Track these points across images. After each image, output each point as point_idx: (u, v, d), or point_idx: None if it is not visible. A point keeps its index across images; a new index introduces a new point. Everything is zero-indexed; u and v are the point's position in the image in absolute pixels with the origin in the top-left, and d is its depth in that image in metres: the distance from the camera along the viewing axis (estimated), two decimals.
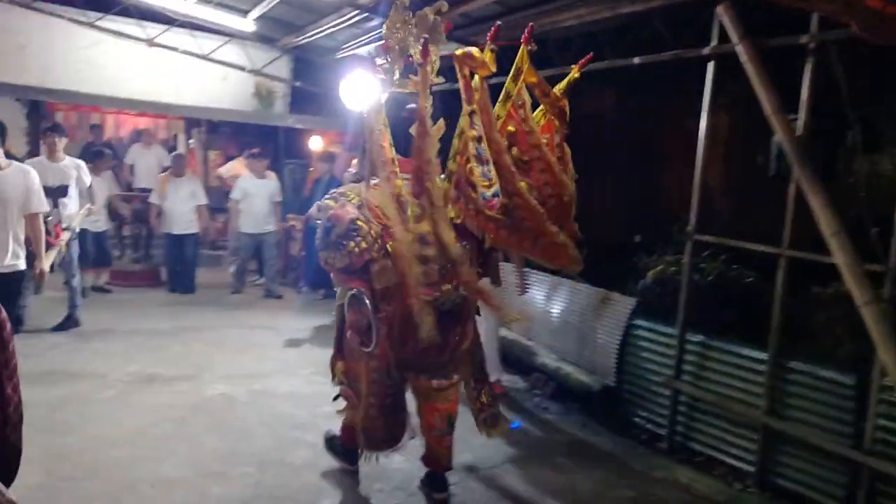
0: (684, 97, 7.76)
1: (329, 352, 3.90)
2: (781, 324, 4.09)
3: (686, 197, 4.97)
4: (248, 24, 8.71)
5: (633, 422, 5.08)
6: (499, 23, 3.49)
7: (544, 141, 3.34)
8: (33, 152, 8.15)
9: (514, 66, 3.33)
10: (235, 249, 9.25)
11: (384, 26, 3.27)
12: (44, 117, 8.96)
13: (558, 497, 3.91)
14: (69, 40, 8.65)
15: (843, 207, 3.86)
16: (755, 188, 6.24)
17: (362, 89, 4.51)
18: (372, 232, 3.15)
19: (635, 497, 3.99)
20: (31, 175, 4.91)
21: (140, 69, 9.11)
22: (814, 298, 4.36)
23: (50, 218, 6.43)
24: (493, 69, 3.21)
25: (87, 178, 6.71)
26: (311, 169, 9.89)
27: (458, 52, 3.20)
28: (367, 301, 3.32)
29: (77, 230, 6.62)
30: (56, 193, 6.27)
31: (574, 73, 3.58)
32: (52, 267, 5.70)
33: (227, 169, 10.26)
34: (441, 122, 3.17)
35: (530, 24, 3.56)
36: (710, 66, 4.68)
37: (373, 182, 3.33)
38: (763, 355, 4.18)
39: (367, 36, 7.88)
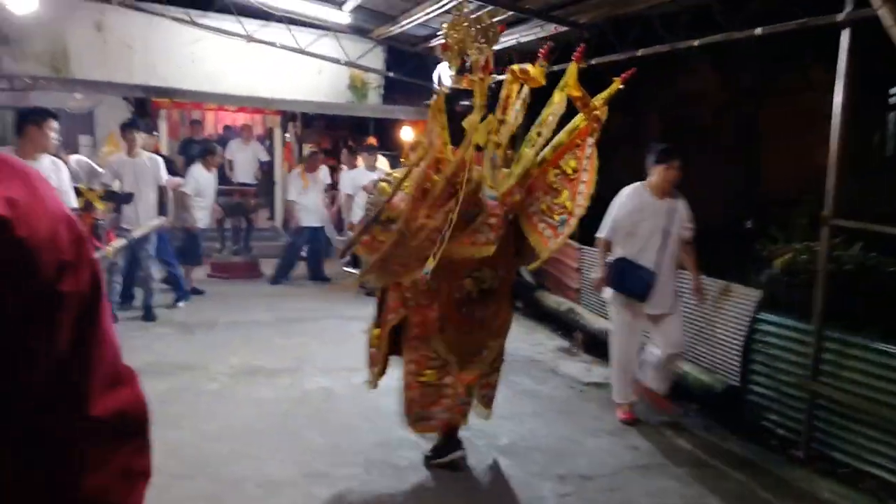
0: (795, 73, 7.16)
1: None
2: None
3: (801, 178, 4.49)
4: (343, 17, 8.68)
5: (763, 426, 4.62)
6: (550, 43, 3.93)
7: (579, 143, 3.58)
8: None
9: (562, 80, 3.54)
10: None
11: (444, 27, 3.48)
12: (148, 115, 9.23)
13: None
14: (172, 39, 8.91)
15: None
16: (870, 168, 5.65)
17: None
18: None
19: None
20: (63, 169, 4.76)
21: (238, 65, 9.28)
22: None
23: (102, 221, 6.41)
24: (543, 82, 3.51)
25: (164, 175, 6.67)
26: (401, 160, 9.75)
27: (516, 67, 3.52)
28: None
29: (137, 237, 6.41)
30: (121, 199, 6.28)
31: (616, 84, 3.68)
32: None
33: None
34: (490, 118, 3.40)
35: (582, 44, 3.87)
36: (845, 35, 4.16)
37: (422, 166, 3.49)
38: None
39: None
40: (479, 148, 3.42)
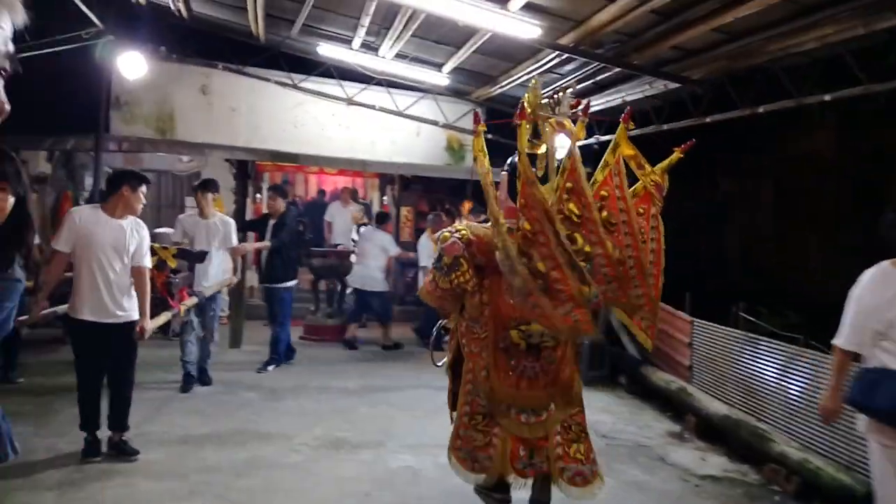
0: None
1: None
2: None
3: None
4: (441, 79, 8.64)
5: None
6: (589, 100, 3.87)
7: (640, 211, 3.58)
8: (239, 210, 8.53)
9: (613, 141, 3.56)
10: None
11: (525, 100, 3.57)
12: (250, 177, 9.43)
13: None
14: (275, 102, 9.14)
15: None
16: None
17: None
18: (470, 270, 3.51)
19: None
20: (144, 229, 4.76)
21: (338, 128, 9.40)
22: None
23: (176, 280, 6.54)
24: (582, 136, 3.55)
25: (234, 237, 6.64)
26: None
27: (553, 120, 3.57)
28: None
29: (207, 296, 6.34)
30: (194, 258, 6.30)
31: (676, 155, 3.71)
32: (168, 329, 5.41)
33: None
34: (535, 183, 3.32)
35: (629, 107, 3.83)
36: None
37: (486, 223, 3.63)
38: None
39: (563, 80, 7.39)
40: None
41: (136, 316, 4.63)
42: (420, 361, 8.02)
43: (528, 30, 5.73)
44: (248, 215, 9.47)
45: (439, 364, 4.13)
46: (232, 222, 6.73)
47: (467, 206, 10.08)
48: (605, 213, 3.45)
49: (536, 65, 7.07)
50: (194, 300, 6.10)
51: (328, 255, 9.77)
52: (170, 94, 8.79)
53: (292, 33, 8.24)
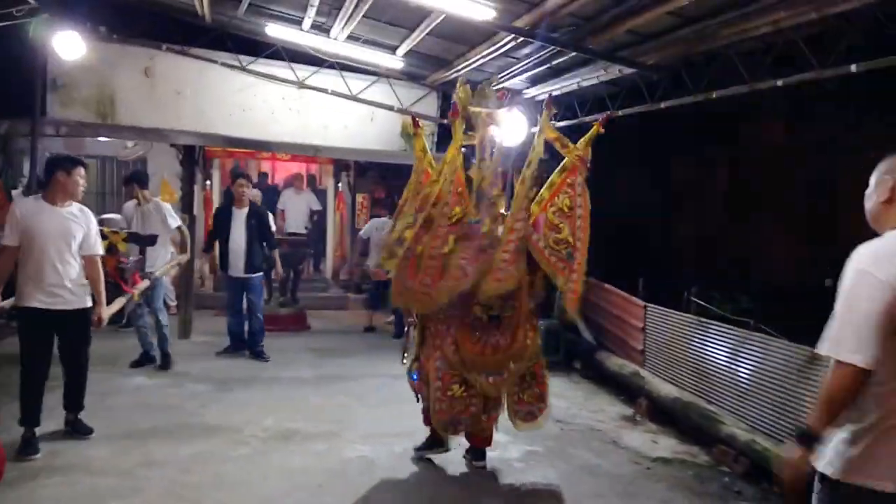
0: (876, 121, 6.60)
1: None
2: None
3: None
4: (395, 62, 8.50)
5: None
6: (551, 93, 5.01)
7: (569, 182, 4.27)
8: (187, 197, 8.25)
9: (538, 125, 4.29)
10: None
11: (454, 96, 4.26)
12: (197, 163, 9.14)
13: None
14: (222, 85, 8.88)
15: None
16: None
17: (512, 123, 4.69)
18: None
19: None
20: (90, 216, 4.75)
21: (289, 112, 9.18)
22: None
23: (127, 265, 6.66)
24: (549, 131, 4.35)
25: (174, 223, 6.64)
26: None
27: (484, 113, 4.30)
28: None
29: (160, 278, 6.45)
30: (144, 241, 6.37)
31: (596, 128, 4.25)
32: (122, 315, 5.53)
33: None
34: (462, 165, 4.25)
35: (549, 94, 5.00)
36: None
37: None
38: None
39: (521, 64, 7.33)
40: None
41: (89, 303, 4.64)
42: (378, 351, 7.93)
43: (483, 11, 5.64)
44: (197, 203, 9.20)
45: (404, 362, 4.71)
46: (168, 206, 6.76)
47: None
48: (567, 201, 4.23)
49: (492, 48, 6.98)
50: (146, 283, 6.13)
51: (282, 243, 9.57)
52: (110, 76, 8.45)
53: (239, 13, 7.97)
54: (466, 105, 4.24)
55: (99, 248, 4.73)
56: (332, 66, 9.11)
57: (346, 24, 7.40)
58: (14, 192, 8.00)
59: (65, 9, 7.57)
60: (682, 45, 5.66)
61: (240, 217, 7.18)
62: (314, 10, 7.15)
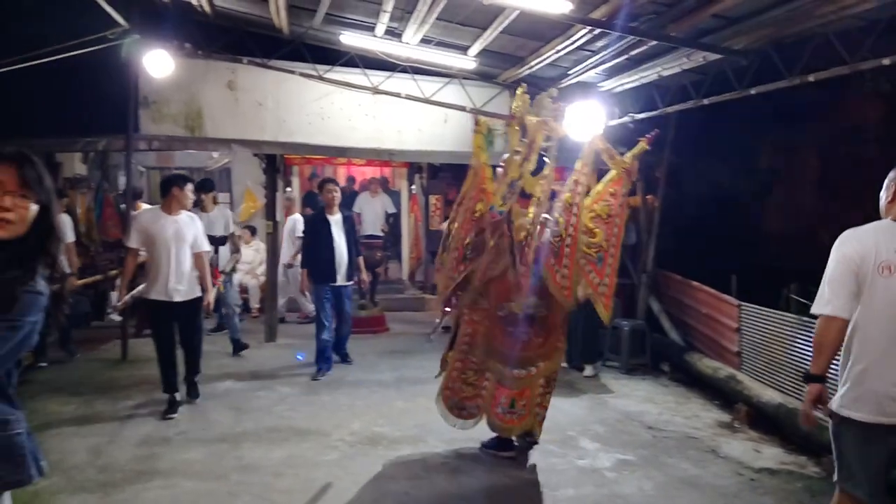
0: None
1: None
2: None
3: None
4: (468, 62, 8.43)
5: None
6: (654, 132, 4.69)
7: (612, 192, 4.51)
8: (270, 204, 8.47)
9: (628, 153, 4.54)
10: None
11: (513, 104, 4.70)
12: (279, 171, 9.36)
13: None
14: (301, 94, 9.04)
15: None
16: None
17: (587, 119, 5.03)
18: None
19: None
20: (197, 220, 5.76)
21: (365, 118, 9.28)
22: None
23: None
24: (561, 134, 4.60)
25: (232, 228, 7.73)
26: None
27: (537, 120, 4.54)
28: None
29: (230, 273, 7.69)
30: (216, 242, 7.34)
31: (642, 145, 4.49)
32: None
33: None
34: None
35: (656, 130, 4.71)
36: None
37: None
38: None
39: (597, 57, 7.13)
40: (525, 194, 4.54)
41: (199, 292, 5.60)
42: None
43: (559, 4, 5.48)
44: (279, 209, 9.41)
45: (432, 337, 5.29)
46: (230, 213, 7.87)
47: None
48: (607, 209, 4.48)
49: (567, 42, 6.80)
50: (223, 277, 7.39)
51: (360, 246, 9.67)
52: (197, 91, 8.74)
53: (314, 23, 8.09)
54: (523, 114, 4.54)
55: (206, 245, 5.73)
56: (404, 70, 9.13)
57: (419, 27, 7.38)
58: (142, 204, 8.31)
59: (153, 29, 7.90)
60: (771, 28, 5.34)
61: (337, 224, 7.03)
62: (387, 15, 7.17)
